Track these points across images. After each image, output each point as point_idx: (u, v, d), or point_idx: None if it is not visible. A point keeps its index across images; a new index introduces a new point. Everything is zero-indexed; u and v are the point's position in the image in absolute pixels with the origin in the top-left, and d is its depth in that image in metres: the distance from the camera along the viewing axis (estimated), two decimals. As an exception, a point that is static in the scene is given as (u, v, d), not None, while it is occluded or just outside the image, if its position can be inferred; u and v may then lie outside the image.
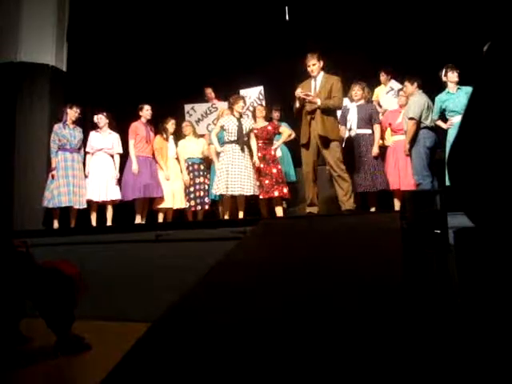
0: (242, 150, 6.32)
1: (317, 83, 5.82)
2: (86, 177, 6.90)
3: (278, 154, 6.80)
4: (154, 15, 8.18)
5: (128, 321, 4.52)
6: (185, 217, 7.11)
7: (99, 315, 4.75)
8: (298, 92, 5.69)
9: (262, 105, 7.07)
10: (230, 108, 6.62)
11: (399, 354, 1.65)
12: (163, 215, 7.00)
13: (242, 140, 6.33)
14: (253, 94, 7.68)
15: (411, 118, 5.93)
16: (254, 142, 6.48)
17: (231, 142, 6.31)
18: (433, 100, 6.12)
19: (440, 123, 6.11)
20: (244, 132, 6.34)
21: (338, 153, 5.72)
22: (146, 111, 7.05)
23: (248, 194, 6.24)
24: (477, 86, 1.33)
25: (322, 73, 5.85)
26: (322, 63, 5.84)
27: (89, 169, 6.95)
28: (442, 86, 6.13)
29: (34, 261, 3.60)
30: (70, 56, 8.44)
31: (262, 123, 6.65)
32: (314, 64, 5.80)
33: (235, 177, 6.18)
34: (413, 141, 5.99)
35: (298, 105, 5.77)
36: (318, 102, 5.64)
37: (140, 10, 8.20)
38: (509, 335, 1.26)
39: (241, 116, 6.47)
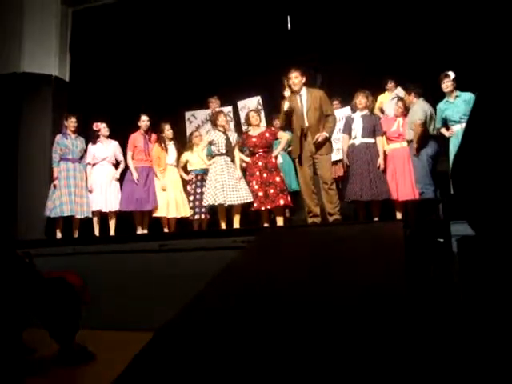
0: (233, 161, 6.55)
1: (302, 98, 5.86)
2: (90, 191, 6.91)
3: (279, 160, 6.78)
4: (155, 25, 8.20)
5: (131, 330, 4.51)
6: (189, 226, 7.11)
7: (102, 325, 4.75)
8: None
9: (255, 110, 6.98)
10: (214, 125, 6.71)
11: (402, 359, 1.65)
12: (167, 225, 6.99)
13: (232, 152, 6.55)
14: (251, 105, 7.66)
15: (419, 119, 5.92)
16: (237, 154, 6.62)
17: (222, 154, 6.49)
18: (435, 108, 6.15)
19: (443, 131, 6.13)
20: (232, 144, 6.55)
21: (329, 166, 5.90)
22: (143, 122, 7.06)
23: (247, 201, 6.31)
24: (479, 98, 1.34)
25: (304, 88, 5.90)
26: (304, 79, 5.91)
27: (92, 180, 6.96)
28: (442, 94, 6.16)
29: (38, 271, 3.60)
30: (73, 66, 8.48)
31: (258, 130, 6.62)
32: (296, 77, 5.85)
33: (230, 187, 6.25)
34: (419, 146, 5.96)
35: (284, 112, 5.85)
36: (327, 134, 5.76)
37: (141, 20, 8.23)
38: (510, 341, 1.26)
39: (225, 129, 6.64)
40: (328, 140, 5.81)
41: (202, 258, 4.92)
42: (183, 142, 7.40)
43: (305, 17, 7.99)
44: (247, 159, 6.62)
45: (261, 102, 7.69)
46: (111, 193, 6.95)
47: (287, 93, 5.93)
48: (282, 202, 6.25)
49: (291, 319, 2.13)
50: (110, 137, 7.18)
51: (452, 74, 6.00)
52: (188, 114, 7.92)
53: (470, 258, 1.44)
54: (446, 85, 6.02)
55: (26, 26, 7.98)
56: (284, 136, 6.56)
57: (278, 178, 6.34)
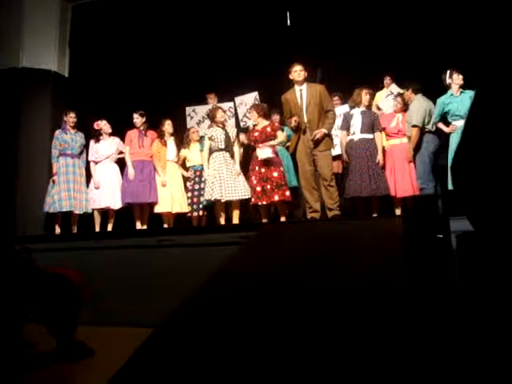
0: (232, 156, 6.56)
1: (303, 93, 5.85)
2: (95, 187, 6.91)
3: (264, 155, 6.51)
4: (155, 21, 8.19)
5: (130, 326, 4.51)
6: (187, 222, 7.11)
7: (101, 320, 4.75)
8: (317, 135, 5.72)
9: (254, 106, 6.91)
10: (212, 121, 6.71)
11: (400, 355, 1.65)
12: (167, 220, 7.00)
13: (231, 147, 6.56)
14: (248, 101, 7.65)
15: (415, 126, 5.93)
16: (237, 149, 6.66)
17: (220, 149, 6.50)
18: (434, 103, 6.12)
19: (442, 126, 6.09)
20: (231, 140, 6.57)
21: (328, 162, 5.83)
22: (136, 119, 7.08)
23: (244, 197, 6.34)
24: (479, 94, 1.33)
25: (305, 83, 5.89)
26: (306, 73, 5.90)
27: (97, 178, 6.95)
28: (442, 89, 6.14)
29: (37, 267, 3.60)
30: (72, 61, 8.47)
31: (262, 124, 6.57)
32: (301, 70, 5.84)
33: (228, 183, 6.27)
34: (416, 146, 6.01)
35: (293, 124, 5.79)
36: (325, 131, 5.73)
37: (141, 16, 8.22)
38: (510, 336, 1.25)
39: (224, 125, 6.66)
40: (327, 136, 5.80)
41: (201, 254, 4.92)
42: (182, 138, 7.39)
43: (304, 12, 7.97)
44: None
45: (258, 97, 7.68)
46: (115, 191, 6.96)
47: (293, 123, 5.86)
48: (276, 198, 6.21)
49: (290, 316, 2.12)
50: (111, 133, 7.18)
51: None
52: (189, 110, 7.91)
53: (469, 253, 1.43)
54: (458, 77, 5.98)
55: (26, 20, 7.97)
56: (280, 136, 6.52)
57: (275, 173, 6.29)
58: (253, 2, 7.99)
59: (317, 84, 6.05)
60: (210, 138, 6.55)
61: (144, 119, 7.08)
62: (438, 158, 6.01)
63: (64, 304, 3.47)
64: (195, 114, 7.88)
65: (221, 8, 8.04)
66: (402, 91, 6.49)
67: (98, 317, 4.67)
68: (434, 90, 6.27)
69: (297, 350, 1.80)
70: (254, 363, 1.77)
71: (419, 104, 6.03)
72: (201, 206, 6.85)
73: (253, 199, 6.32)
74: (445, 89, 6.14)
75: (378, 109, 6.91)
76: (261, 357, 1.80)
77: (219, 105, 7.45)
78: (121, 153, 7.20)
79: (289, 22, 8.14)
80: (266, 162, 6.33)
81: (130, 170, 6.85)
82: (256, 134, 6.49)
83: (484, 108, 1.27)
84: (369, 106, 6.47)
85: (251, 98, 7.70)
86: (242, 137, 6.82)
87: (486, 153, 1.21)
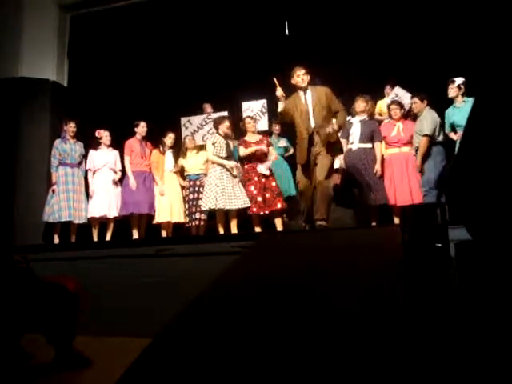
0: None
1: (307, 96, 5.56)
2: (90, 197, 6.93)
3: (266, 171, 6.53)
4: (154, 31, 8.21)
5: (128, 336, 4.49)
6: (186, 232, 7.10)
7: (99, 330, 4.73)
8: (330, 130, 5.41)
9: (250, 117, 6.98)
10: (216, 128, 6.72)
11: (399, 360, 1.65)
12: (166, 230, 6.99)
13: (232, 156, 6.57)
14: (255, 107, 7.63)
15: (426, 135, 5.94)
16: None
17: (221, 158, 6.50)
18: (442, 114, 6.15)
19: (452, 135, 6.15)
20: (231, 149, 6.59)
21: (327, 166, 5.44)
22: (142, 128, 7.10)
23: (244, 206, 6.34)
24: (476, 104, 1.34)
25: (308, 87, 5.61)
26: (308, 77, 5.63)
27: (93, 186, 6.97)
28: (447, 101, 6.18)
29: (35, 276, 3.59)
30: (71, 71, 8.49)
31: (254, 137, 6.66)
32: (304, 74, 5.56)
33: (229, 192, 6.27)
34: (423, 161, 6.01)
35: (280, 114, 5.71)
36: (335, 127, 5.44)
37: (139, 26, 8.24)
38: (509, 345, 1.25)
39: (226, 135, 6.65)
40: (338, 132, 5.58)
41: (200, 263, 4.91)
42: (179, 148, 7.39)
43: (303, 22, 8.00)
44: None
45: (265, 105, 7.63)
46: (113, 199, 6.96)
47: (279, 92, 5.74)
48: (279, 206, 6.28)
49: (290, 323, 2.12)
50: (109, 146, 7.18)
51: (458, 80, 6.01)
52: (183, 120, 7.88)
53: (468, 262, 1.44)
54: (450, 91, 6.04)
55: (25, 30, 8.00)
56: (273, 153, 6.63)
57: (273, 183, 6.41)
58: (251, 12, 8.01)
59: (321, 86, 5.74)
60: (213, 144, 6.53)
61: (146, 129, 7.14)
62: (443, 169, 6.00)
63: (62, 313, 3.46)
64: (190, 125, 7.84)
65: (220, 18, 8.07)
66: (408, 99, 6.48)
67: (96, 326, 4.65)
68: (438, 100, 6.30)
69: (297, 358, 1.80)
70: (254, 370, 1.76)
71: (431, 115, 6.04)
72: (197, 215, 6.84)
73: (254, 209, 6.30)
74: (447, 100, 6.20)
75: (380, 114, 6.90)
76: (261, 363, 1.80)
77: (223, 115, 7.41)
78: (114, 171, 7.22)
79: (287, 31, 8.17)
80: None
81: (132, 181, 6.87)
82: (253, 145, 6.54)
83: (481, 117, 1.28)
84: (371, 115, 6.46)
85: (259, 104, 7.68)
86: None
87: (483, 162, 1.22)
